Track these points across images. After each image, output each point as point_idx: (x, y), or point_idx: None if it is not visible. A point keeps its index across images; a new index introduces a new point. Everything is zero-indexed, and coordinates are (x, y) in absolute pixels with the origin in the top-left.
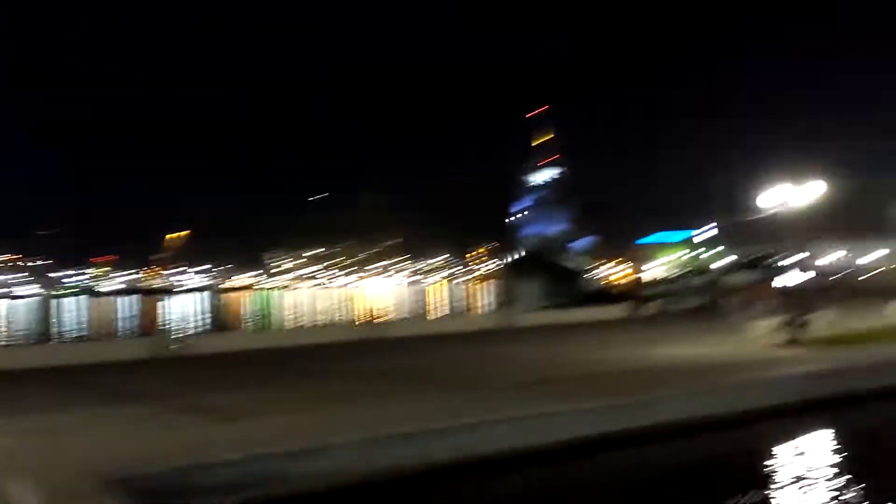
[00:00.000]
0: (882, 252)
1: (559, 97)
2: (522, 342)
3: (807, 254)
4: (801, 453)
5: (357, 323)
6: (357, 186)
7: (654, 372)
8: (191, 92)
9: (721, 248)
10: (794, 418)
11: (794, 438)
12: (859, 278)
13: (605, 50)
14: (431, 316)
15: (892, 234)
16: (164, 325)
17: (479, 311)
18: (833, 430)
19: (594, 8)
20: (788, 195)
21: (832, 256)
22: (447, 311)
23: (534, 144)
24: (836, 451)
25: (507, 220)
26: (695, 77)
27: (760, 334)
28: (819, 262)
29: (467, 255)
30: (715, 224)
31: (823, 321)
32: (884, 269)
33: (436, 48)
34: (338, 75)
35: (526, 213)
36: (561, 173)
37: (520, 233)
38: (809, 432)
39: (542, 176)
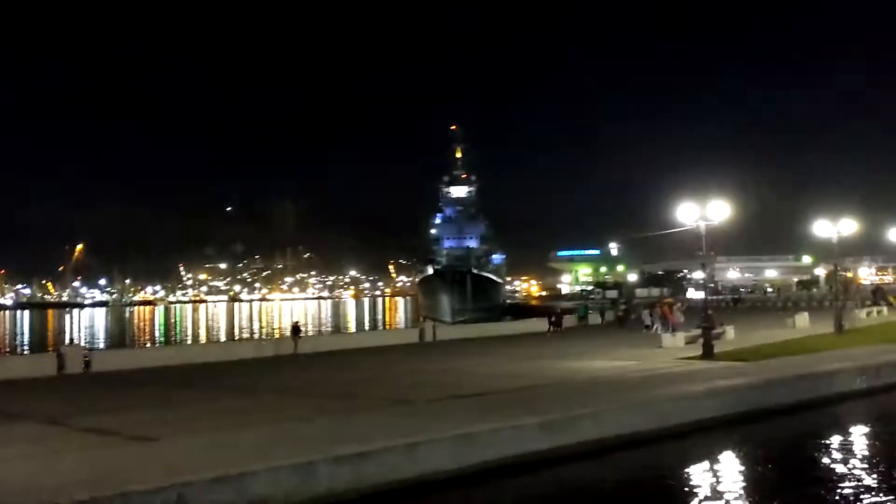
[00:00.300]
0: (785, 267)
1: (477, 113)
2: (441, 356)
3: (715, 269)
4: (728, 468)
5: (269, 338)
6: (272, 200)
7: (573, 386)
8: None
9: (632, 263)
10: (719, 432)
11: (720, 453)
12: (765, 293)
13: (525, 67)
14: (349, 330)
15: (794, 252)
16: (66, 341)
17: (396, 325)
18: (757, 443)
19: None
20: (697, 213)
21: (739, 272)
22: (366, 326)
23: (453, 158)
24: (763, 464)
25: (425, 234)
26: (609, 94)
27: (673, 347)
28: (727, 278)
29: (385, 268)
30: (627, 240)
31: (732, 335)
32: (787, 284)
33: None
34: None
35: (444, 226)
36: (477, 188)
37: (437, 246)
38: (733, 447)
39: (460, 190)
